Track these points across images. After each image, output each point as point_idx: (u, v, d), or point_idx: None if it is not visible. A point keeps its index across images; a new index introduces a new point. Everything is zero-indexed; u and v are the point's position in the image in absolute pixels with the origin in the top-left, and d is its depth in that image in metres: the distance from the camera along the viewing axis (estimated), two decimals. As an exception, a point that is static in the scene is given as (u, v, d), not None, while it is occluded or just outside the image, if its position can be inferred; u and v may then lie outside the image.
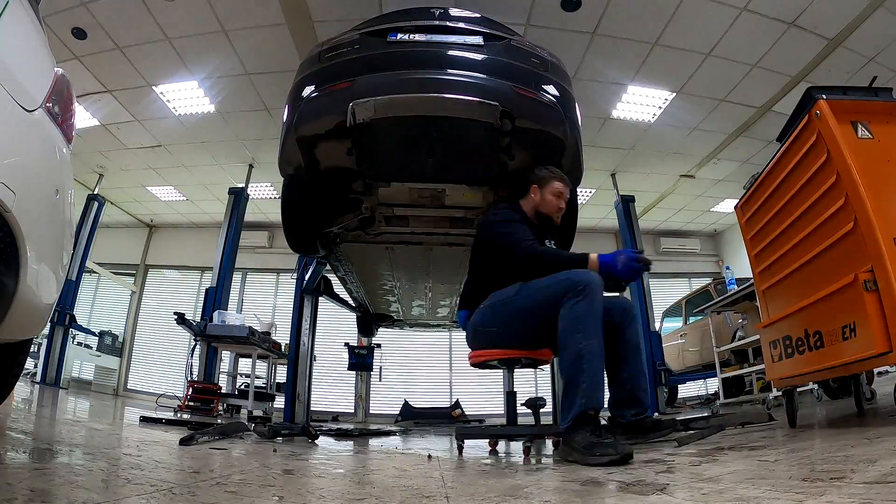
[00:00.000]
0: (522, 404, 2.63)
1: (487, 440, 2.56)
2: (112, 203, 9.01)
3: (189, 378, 5.83)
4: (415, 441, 3.68)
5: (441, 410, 7.55)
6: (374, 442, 3.50)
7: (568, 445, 1.82)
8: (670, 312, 8.00)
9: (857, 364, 1.77)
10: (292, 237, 3.30)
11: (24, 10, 1.39)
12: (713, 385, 7.72)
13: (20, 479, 1.12)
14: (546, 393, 4.58)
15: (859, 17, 4.55)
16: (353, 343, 6.76)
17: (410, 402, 7.62)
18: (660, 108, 6.23)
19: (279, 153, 2.73)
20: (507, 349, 2.27)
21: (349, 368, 6.77)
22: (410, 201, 3.04)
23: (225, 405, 5.88)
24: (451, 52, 2.65)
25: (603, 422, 1.91)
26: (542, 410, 2.96)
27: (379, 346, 6.84)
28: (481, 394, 9.23)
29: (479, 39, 2.72)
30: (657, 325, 7.31)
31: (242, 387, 6.37)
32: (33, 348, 6.06)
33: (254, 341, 5.68)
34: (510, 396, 2.51)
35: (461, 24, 2.82)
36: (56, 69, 1.50)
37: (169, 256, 10.33)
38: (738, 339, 4.97)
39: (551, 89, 2.60)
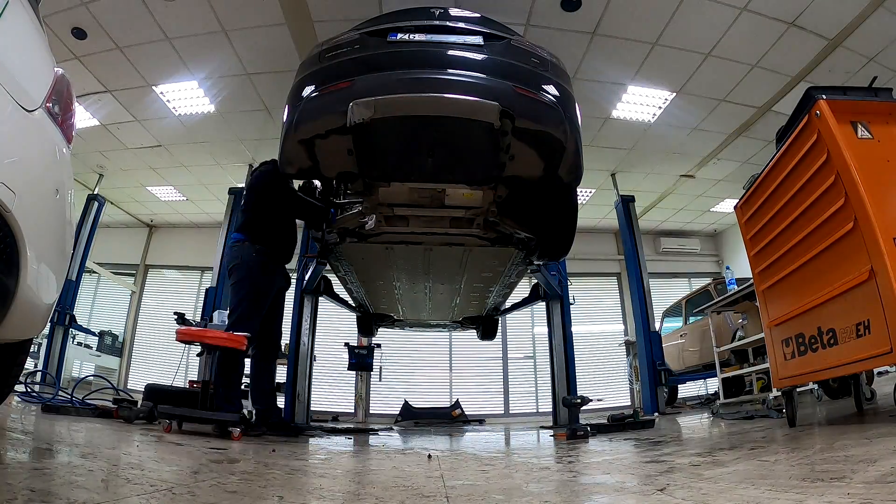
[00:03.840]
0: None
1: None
2: (112, 203, 8.99)
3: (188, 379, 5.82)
4: (414, 441, 3.68)
5: (441, 410, 7.54)
6: (373, 441, 3.50)
7: None
8: (670, 312, 8.00)
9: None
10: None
11: (24, 10, 1.39)
12: (713, 385, 7.72)
13: (20, 479, 1.12)
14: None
15: (859, 17, 4.55)
16: (353, 343, 6.75)
17: (410, 402, 7.62)
18: (660, 108, 6.22)
19: (279, 153, 2.73)
20: None
21: (349, 368, 6.75)
22: (410, 201, 3.04)
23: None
24: (451, 52, 2.65)
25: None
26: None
27: (379, 346, 6.83)
28: (481, 394, 9.24)
29: (478, 39, 2.72)
30: (657, 325, 7.30)
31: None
32: (33, 348, 6.05)
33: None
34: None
35: (461, 24, 2.82)
36: (56, 69, 1.50)
37: (169, 256, 10.32)
38: (738, 339, 4.97)
39: (551, 89, 2.60)
